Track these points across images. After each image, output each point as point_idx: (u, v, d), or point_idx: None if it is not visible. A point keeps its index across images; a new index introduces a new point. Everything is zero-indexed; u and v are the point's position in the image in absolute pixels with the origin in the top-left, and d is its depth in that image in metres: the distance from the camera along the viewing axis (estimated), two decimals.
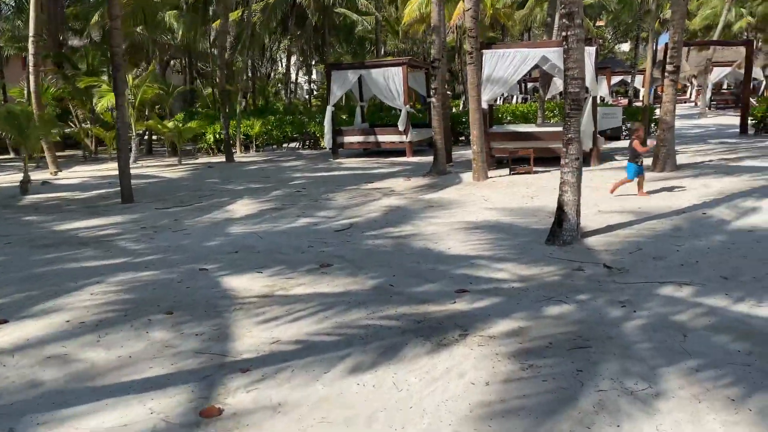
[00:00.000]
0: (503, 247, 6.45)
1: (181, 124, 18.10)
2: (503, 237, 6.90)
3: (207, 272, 5.95)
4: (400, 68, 15.14)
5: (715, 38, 27.50)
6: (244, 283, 5.50)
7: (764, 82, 30.34)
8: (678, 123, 23.22)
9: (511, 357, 3.72)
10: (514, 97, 36.34)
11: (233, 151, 18.92)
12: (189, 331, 4.38)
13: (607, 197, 8.80)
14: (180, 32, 20.25)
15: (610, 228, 7.02)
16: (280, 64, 47.93)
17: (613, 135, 17.39)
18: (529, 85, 32.36)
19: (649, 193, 8.92)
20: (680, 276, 5.17)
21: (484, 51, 11.81)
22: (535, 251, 6.23)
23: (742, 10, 33.10)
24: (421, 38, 34.27)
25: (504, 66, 11.81)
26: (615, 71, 32.35)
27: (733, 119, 23.18)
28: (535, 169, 11.96)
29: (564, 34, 6.39)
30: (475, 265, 5.79)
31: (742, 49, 24.79)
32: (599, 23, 49.57)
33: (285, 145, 20.57)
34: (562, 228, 6.51)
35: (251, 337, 4.23)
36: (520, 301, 4.74)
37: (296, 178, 12.74)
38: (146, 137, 21.53)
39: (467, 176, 11.49)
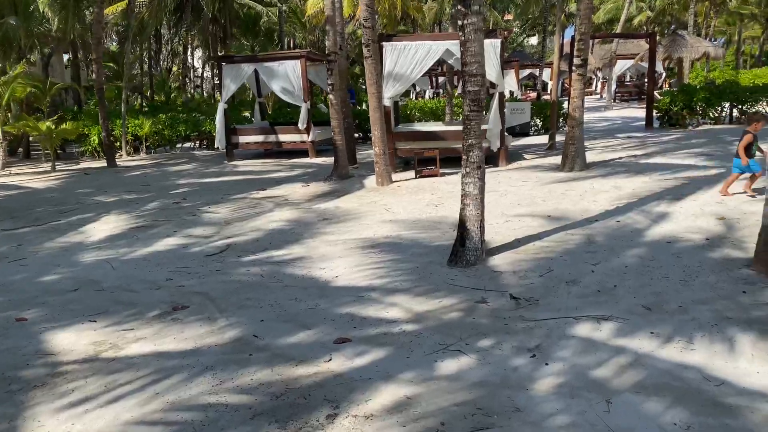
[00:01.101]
0: (400, 272, 5.54)
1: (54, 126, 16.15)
2: (401, 258, 5.99)
3: (25, 323, 4.69)
4: (298, 61, 14.01)
5: (617, 32, 27.93)
6: (68, 340, 4.31)
7: (664, 74, 31.26)
8: (586, 116, 23.37)
9: None
10: (426, 92, 35.94)
11: (119, 154, 17.20)
12: None
13: (516, 203, 8.09)
14: (55, 22, 18.18)
15: (518, 242, 6.26)
16: (190, 58, 45.42)
17: (522, 131, 16.98)
18: (440, 79, 31.95)
19: (564, 194, 8.30)
20: (597, 307, 4.42)
21: (384, 44, 10.89)
22: (436, 276, 5.36)
23: (642, 4, 34.05)
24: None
25: (406, 60, 10.94)
26: (523, 65, 32.48)
27: (637, 111, 23.51)
28: (442, 170, 11.19)
29: (460, 23, 5.52)
30: (364, 300, 4.84)
31: (644, 43, 25.29)
32: (507, 17, 50.09)
33: (179, 145, 18.95)
34: (464, 247, 5.67)
35: None
36: (411, 353, 3.82)
37: (180, 186, 11.39)
38: (23, 140, 19.27)
39: (371, 180, 10.56)
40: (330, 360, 3.78)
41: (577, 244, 6.07)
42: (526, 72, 35.84)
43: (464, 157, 5.76)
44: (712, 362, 3.49)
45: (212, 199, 9.73)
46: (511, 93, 25.58)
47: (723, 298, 4.44)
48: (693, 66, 31.84)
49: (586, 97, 31.78)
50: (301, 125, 14.45)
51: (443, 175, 10.80)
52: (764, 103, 16.75)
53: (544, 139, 14.99)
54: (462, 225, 5.75)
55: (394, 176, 10.91)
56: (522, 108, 16.97)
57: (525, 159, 12.34)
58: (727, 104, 16.74)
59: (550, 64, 26.42)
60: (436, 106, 18.02)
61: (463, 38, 5.54)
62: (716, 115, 16.67)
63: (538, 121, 17.68)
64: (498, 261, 5.70)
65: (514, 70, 25.20)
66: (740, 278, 4.82)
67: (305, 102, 14.26)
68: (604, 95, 29.28)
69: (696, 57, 24.00)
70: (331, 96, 10.93)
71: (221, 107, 14.57)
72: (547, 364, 3.57)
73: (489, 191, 8.97)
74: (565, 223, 6.88)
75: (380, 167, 10.08)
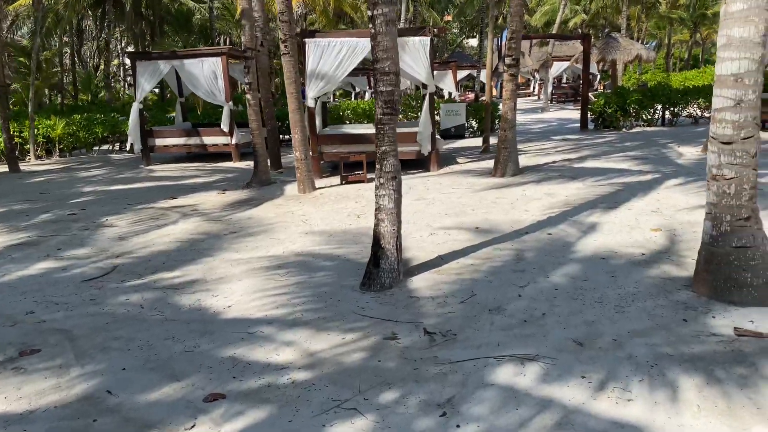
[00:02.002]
0: (304, 299, 4.81)
1: None
2: (310, 281, 5.27)
3: None
4: (219, 59, 13.08)
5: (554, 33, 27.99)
6: None
7: (598, 77, 31.62)
8: (522, 117, 23.21)
9: None
10: (366, 92, 35.23)
11: (26, 158, 15.81)
12: None
13: (444, 212, 7.49)
14: None
15: (442, 259, 5.63)
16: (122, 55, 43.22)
17: (458, 133, 16.52)
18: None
19: (495, 202, 7.75)
20: (523, 342, 3.82)
21: (306, 41, 10.14)
22: (344, 304, 4.66)
23: (577, 7, 34.41)
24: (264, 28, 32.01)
25: (330, 58, 10.22)
26: (462, 66, 32.25)
27: (572, 113, 23.54)
28: (371, 176, 10.52)
29: (370, 13, 4.84)
30: (255, 338, 4.09)
31: (579, 45, 25.40)
32: (447, 18, 50.04)
33: (96, 148, 17.63)
34: (379, 268, 4.99)
35: None
36: (296, 414, 3.10)
37: (83, 194, 10.31)
38: None
39: (293, 187, 9.78)
40: (192, 428, 3.02)
41: (505, 261, 5.49)
42: (465, 73, 35.66)
43: (378, 166, 5.09)
44: (653, 418, 2.91)
45: (113, 210, 8.75)
46: (450, 94, 25.27)
47: (662, 328, 3.91)
48: (626, 68, 32.35)
49: (523, 98, 31.91)
50: (224, 127, 13.53)
51: (371, 181, 10.13)
52: (695, 105, 16.84)
53: (479, 141, 14.54)
54: (376, 243, 5.08)
55: (319, 182, 10.19)
56: (457, 110, 16.51)
57: (458, 163, 11.80)
58: (659, 106, 16.74)
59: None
60: (370, 107, 17.34)
61: (373, 31, 4.86)
62: (649, 117, 16.64)
63: (474, 122, 17.27)
64: (417, 283, 5.05)
65: (451, 71, 24.88)
66: (680, 302, 4.32)
67: (227, 102, 13.34)
68: (541, 97, 29.33)
69: (629, 59, 24.23)
70: (248, 96, 10.10)
71: (135, 107, 13.48)
72: (458, 426, 2.92)
73: (417, 199, 8.43)
74: (494, 236, 6.30)
75: (302, 173, 9.33)
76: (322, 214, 7.83)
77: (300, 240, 6.61)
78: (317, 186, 9.76)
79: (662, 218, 6.63)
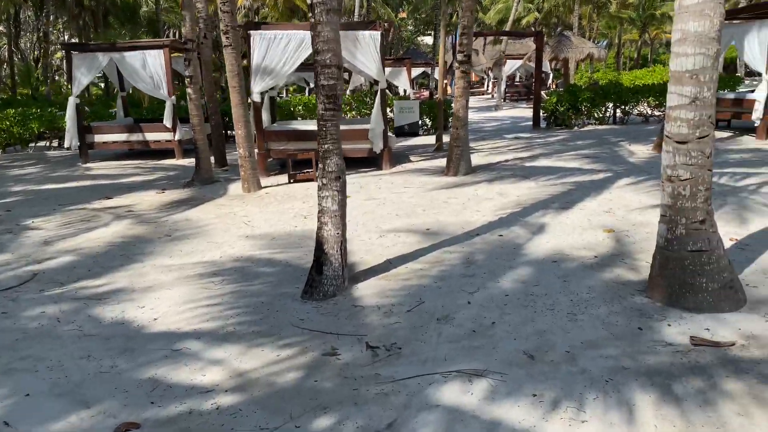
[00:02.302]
0: (239, 310, 4.45)
1: None
2: (247, 289, 4.90)
3: None
4: (161, 51, 12.48)
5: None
6: None
7: (551, 75, 31.93)
8: (476, 116, 23.17)
9: None
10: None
11: None
12: None
13: (395, 213, 7.20)
14: None
15: (390, 264, 5.34)
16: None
17: (412, 131, 16.29)
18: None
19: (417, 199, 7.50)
20: (471, 355, 3.56)
21: (251, 33, 9.71)
22: (283, 315, 4.32)
23: (530, 5, 34.69)
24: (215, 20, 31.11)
25: (277, 51, 9.81)
26: (416, 63, 32.05)
27: (525, 111, 23.61)
28: None
29: (309, 1, 4.50)
30: (180, 356, 3.71)
31: (532, 43, 25.51)
32: (401, 15, 49.91)
33: (32, 144, 16.71)
34: (322, 275, 4.67)
35: None
36: None
37: (11, 194, 9.64)
38: None
39: (237, 186, 9.35)
40: None
41: (455, 265, 5.23)
42: (420, 70, 35.54)
43: (320, 165, 4.76)
44: None
45: (42, 211, 8.16)
46: (404, 91, 25.06)
47: (617, 338, 3.71)
48: (578, 67, 32.77)
49: (477, 96, 31.96)
50: (167, 122, 12.94)
51: None
52: (645, 104, 17.03)
53: (433, 139, 14.33)
54: (319, 248, 4.75)
55: (266, 181, 9.78)
56: (411, 107, 16.27)
57: (411, 161, 11.55)
58: (611, 105, 16.87)
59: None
60: None
61: (313, 20, 4.52)
62: (600, 115, 16.74)
63: (428, 120, 17.06)
64: (363, 290, 4.74)
65: (406, 68, 24.65)
66: (634, 309, 4.13)
67: (170, 97, 12.76)
68: (495, 95, 29.41)
69: (581, 58, 24.48)
70: (189, 90, 9.61)
71: (72, 102, 12.76)
72: None
73: (368, 199, 8.12)
74: (445, 239, 6.05)
75: (246, 171, 8.90)
76: (267, 215, 7.44)
77: (240, 244, 6.23)
78: (263, 185, 9.35)
79: (615, 219, 6.49)
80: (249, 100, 9.65)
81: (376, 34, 9.86)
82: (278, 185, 9.51)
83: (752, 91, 12.88)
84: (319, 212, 4.78)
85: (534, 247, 5.66)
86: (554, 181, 8.65)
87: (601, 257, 5.30)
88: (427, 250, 5.71)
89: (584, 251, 5.47)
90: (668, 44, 62.09)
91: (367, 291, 4.72)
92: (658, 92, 16.51)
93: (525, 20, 36.20)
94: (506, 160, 10.89)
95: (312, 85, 34.48)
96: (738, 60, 36.42)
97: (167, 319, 4.31)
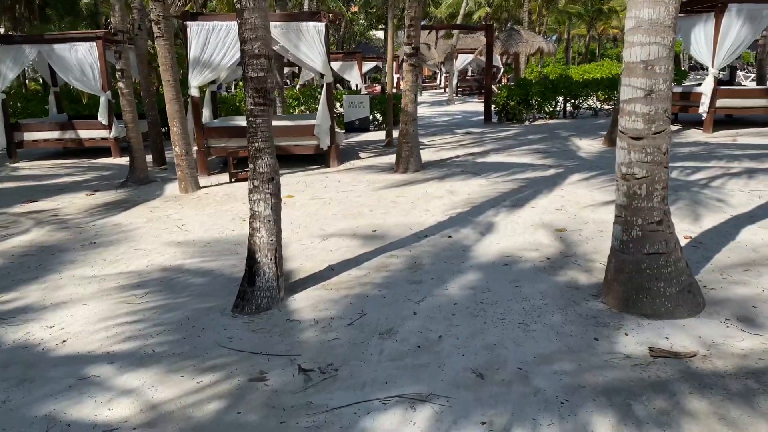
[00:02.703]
0: (162, 328, 4.00)
1: None
2: (172, 303, 4.45)
3: None
4: (94, 44, 11.74)
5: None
6: None
7: (502, 69, 31.99)
8: (428, 110, 22.95)
9: None
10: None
11: None
12: None
13: (340, 214, 6.83)
14: None
15: (332, 270, 4.97)
16: None
17: (362, 126, 15.91)
18: (286, 70, 30.09)
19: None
20: (415, 375, 3.21)
21: (188, 24, 9.15)
22: (209, 333, 3.89)
23: (481, 0, 34.65)
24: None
25: (217, 43, 9.28)
26: (368, 57, 31.70)
27: (477, 106, 23.55)
28: None
29: None
30: (87, 385, 3.26)
31: (483, 38, 25.41)
32: (353, 9, 49.35)
33: None
34: (254, 287, 4.26)
35: None
36: None
37: None
38: None
39: (175, 186, 8.80)
40: None
41: (401, 270, 4.89)
42: (372, 65, 35.15)
43: (251, 165, 4.34)
44: None
45: None
46: (356, 86, 24.64)
47: (572, 350, 3.42)
48: (528, 61, 32.93)
49: (429, 90, 31.80)
50: (102, 119, 12.22)
51: None
52: (595, 98, 17.07)
53: (384, 134, 13.99)
54: (251, 257, 4.34)
55: (206, 180, 9.27)
56: (361, 101, 15.89)
57: (360, 158, 11.17)
58: (561, 99, 16.84)
59: (394, 57, 25.72)
60: None
61: (239, 6, 4.09)
62: (551, 109, 16.70)
63: (378, 115, 16.71)
64: (300, 302, 4.35)
65: (357, 62, 24.24)
66: (590, 317, 3.87)
67: (105, 92, 12.03)
68: (447, 89, 29.27)
69: (531, 52, 24.52)
70: (121, 84, 8.99)
71: None
72: None
73: (312, 198, 7.71)
74: (391, 241, 5.71)
75: (183, 171, 8.37)
76: (203, 218, 6.96)
77: (170, 251, 5.74)
78: (202, 185, 8.83)
79: (567, 216, 6.27)
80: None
81: (321, 26, 9.43)
82: (219, 185, 9.01)
83: (699, 85, 12.97)
84: (250, 217, 4.37)
85: (484, 248, 5.37)
86: (505, 178, 8.41)
87: (553, 258, 5.04)
88: (372, 254, 5.36)
89: (536, 252, 5.21)
90: (615, 39, 63.44)
91: (304, 302, 4.33)
92: (607, 86, 16.57)
93: (476, 15, 36.15)
94: (457, 156, 10.62)
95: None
96: (682, 54, 37.31)
97: (78, 341, 3.84)
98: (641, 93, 3.72)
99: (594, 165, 9.11)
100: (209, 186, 8.90)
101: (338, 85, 35.35)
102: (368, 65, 32.71)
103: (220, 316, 4.17)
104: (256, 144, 4.28)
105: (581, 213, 6.38)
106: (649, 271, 3.85)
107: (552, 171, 8.75)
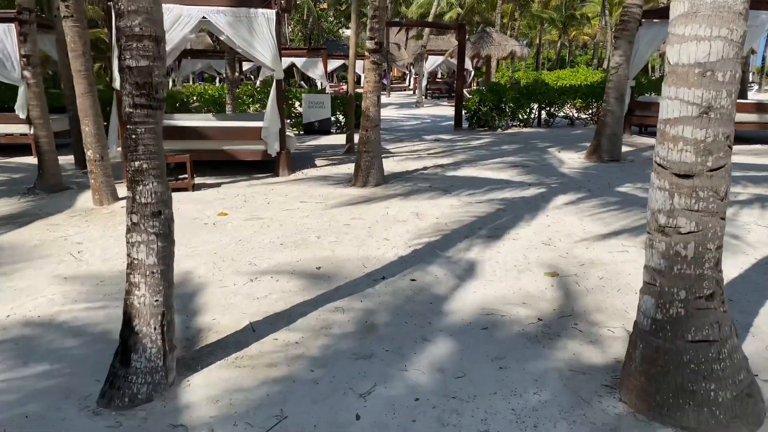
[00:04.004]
0: None
1: None
2: (21, 384, 3.12)
3: None
4: (12, 26, 10.18)
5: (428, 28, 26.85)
6: None
7: (472, 73, 31.01)
8: (396, 113, 21.73)
9: None
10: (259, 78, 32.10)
11: None
12: None
13: (280, 242, 5.54)
14: None
15: (252, 332, 3.69)
16: None
17: (323, 128, 14.60)
18: (246, 65, 28.50)
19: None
20: None
21: (113, 4, 7.71)
22: None
23: (453, 1, 33.69)
24: None
25: None
26: (335, 55, 30.37)
27: (446, 110, 22.49)
28: (200, 181, 8.38)
29: None
30: None
31: (454, 40, 24.36)
32: (322, 6, 47.92)
33: None
34: (129, 368, 2.96)
35: None
36: None
37: None
38: None
39: (89, 197, 7.38)
40: None
41: (347, 335, 3.64)
42: (339, 63, 33.82)
43: (129, 194, 3.04)
44: None
45: None
46: (320, 84, 23.31)
47: None
48: (498, 65, 32.04)
49: (398, 92, 30.64)
50: (20, 112, 10.65)
51: (199, 188, 7.98)
52: (571, 106, 16.11)
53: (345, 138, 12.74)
54: (127, 325, 3.04)
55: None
56: (321, 101, 14.56)
57: (315, 166, 9.87)
58: (535, 106, 15.82)
59: (362, 56, 24.47)
60: (219, 93, 14.92)
61: None
62: (525, 117, 15.66)
63: (341, 117, 15.41)
64: (198, 390, 3.06)
65: (322, 59, 22.93)
66: (606, 425, 2.68)
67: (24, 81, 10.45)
68: (416, 91, 28.15)
69: (503, 55, 23.54)
70: (26, 73, 7.54)
71: None
72: None
73: (249, 219, 6.40)
74: (340, 284, 4.46)
75: (97, 179, 6.98)
76: (108, 242, 5.60)
77: (50, 290, 4.39)
78: (123, 196, 7.42)
79: (556, 254, 5.11)
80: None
81: (270, 13, 8.13)
82: None
83: None
84: (128, 267, 3.06)
85: (457, 301, 4.15)
86: (480, 198, 7.23)
87: (546, 320, 3.85)
88: (312, 304, 4.10)
89: (523, 308, 4.02)
90: (585, 46, 63.39)
91: (203, 391, 3.05)
92: (585, 94, 15.62)
93: (447, 16, 35.21)
94: (425, 168, 9.42)
95: (224, 74, 32.16)
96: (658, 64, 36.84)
97: None
98: (694, 110, 2.55)
99: (579, 183, 8.01)
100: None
101: (302, 82, 33.95)
102: (335, 63, 31.39)
103: (79, 412, 2.86)
104: (137, 163, 2.99)
105: (573, 250, 5.22)
106: (695, 367, 2.68)
107: (533, 190, 7.61)
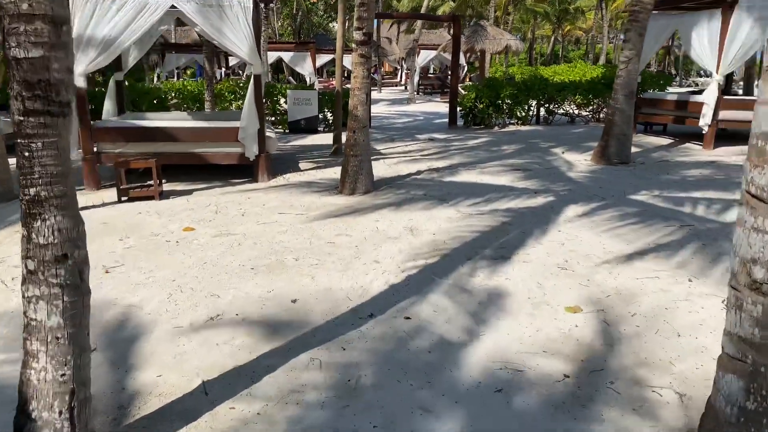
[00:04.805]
0: None
1: None
2: None
3: None
4: None
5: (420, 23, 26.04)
6: None
7: (465, 68, 30.20)
8: (387, 109, 20.88)
9: None
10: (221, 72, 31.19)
11: None
12: None
13: (251, 266, 4.75)
14: None
15: (202, 396, 2.90)
16: None
17: (309, 127, 13.76)
18: (233, 60, 27.53)
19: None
20: None
21: None
22: None
23: None
24: None
25: (108, 18, 7.07)
26: (324, 49, 29.53)
27: (440, 106, 21.73)
28: (173, 187, 7.57)
29: None
30: None
31: (447, 34, 23.60)
32: (312, 0, 46.95)
33: None
34: None
35: None
36: None
37: None
38: None
39: None
40: None
41: (322, 403, 2.86)
42: (329, 57, 32.93)
43: (24, 231, 2.25)
44: None
45: None
46: (309, 79, 22.47)
47: None
48: (492, 60, 31.28)
49: (389, 87, 29.69)
50: None
51: (167, 196, 7.17)
52: (571, 103, 15.37)
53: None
54: (22, 410, 2.24)
55: (94, 197, 7.07)
56: (308, 98, 13.70)
57: (299, 170, 9.05)
58: (534, 103, 15.06)
59: (349, 50, 23.62)
60: (199, 89, 14.04)
61: None
62: (523, 114, 14.90)
63: (329, 114, 14.56)
64: None
65: (310, 53, 22.08)
66: None
67: None
68: (408, 87, 27.33)
69: (498, 50, 22.75)
70: None
71: None
72: None
73: (218, 235, 5.57)
74: (316, 325, 3.67)
75: None
76: None
77: None
78: (83, 204, 6.60)
79: (576, 282, 4.34)
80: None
81: (248, 2, 7.30)
82: (103, 206, 6.79)
83: (698, 93, 11.33)
84: (24, 330, 2.27)
85: (462, 348, 3.38)
86: (481, 208, 6.46)
87: (574, 375, 3.09)
88: (282, 354, 3.32)
89: (544, 359, 3.25)
90: (578, 41, 62.72)
91: None
92: (586, 90, 14.88)
93: (440, 10, 34.36)
94: (418, 172, 8.62)
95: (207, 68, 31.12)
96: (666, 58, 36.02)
97: None
98: None
99: (590, 190, 7.26)
100: (91, 207, 6.69)
101: (290, 78, 33.04)
102: (325, 58, 30.53)
103: None
104: (32, 190, 2.18)
105: (595, 276, 4.46)
106: None
107: (540, 199, 6.85)
